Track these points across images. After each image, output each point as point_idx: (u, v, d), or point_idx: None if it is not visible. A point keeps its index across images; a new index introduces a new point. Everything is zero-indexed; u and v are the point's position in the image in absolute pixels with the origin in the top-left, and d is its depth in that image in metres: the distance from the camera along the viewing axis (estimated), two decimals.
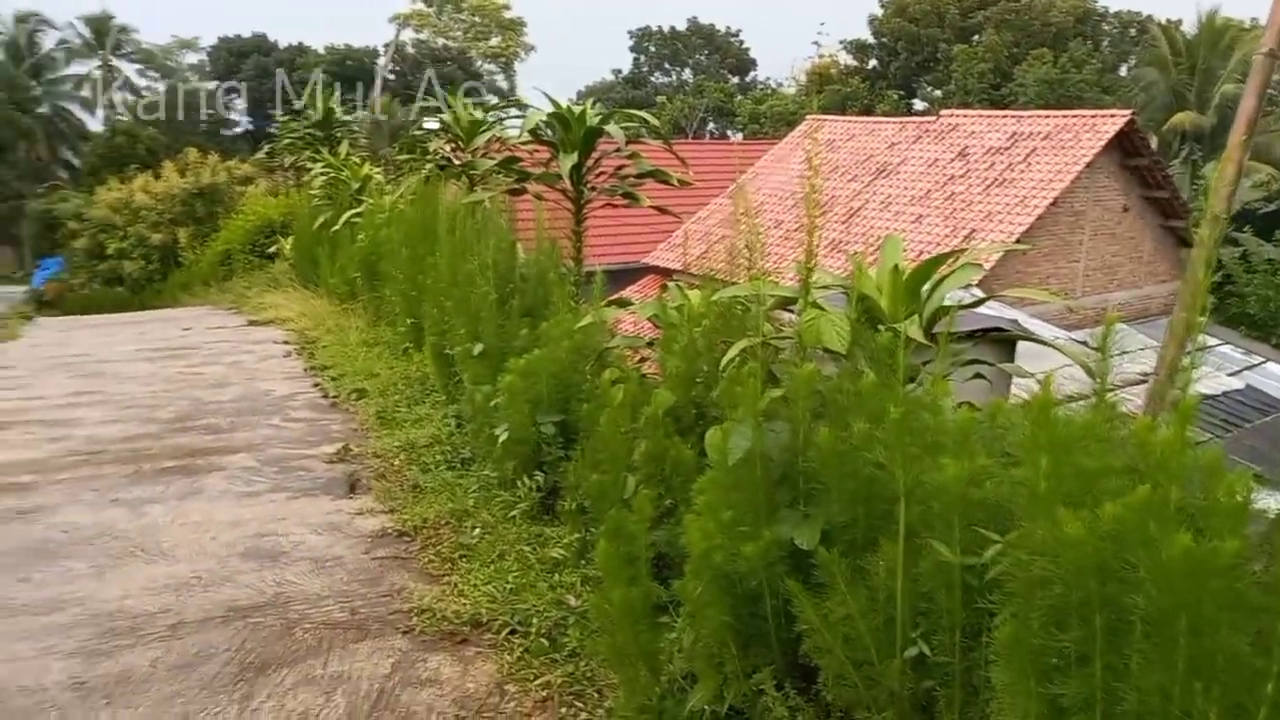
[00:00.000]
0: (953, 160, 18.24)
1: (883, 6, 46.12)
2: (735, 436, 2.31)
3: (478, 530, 4.02)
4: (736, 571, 2.20)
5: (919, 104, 45.79)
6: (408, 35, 50.77)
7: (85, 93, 48.14)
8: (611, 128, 5.86)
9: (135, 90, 49.27)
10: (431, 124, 11.94)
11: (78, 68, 47.93)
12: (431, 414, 6.00)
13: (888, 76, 45.85)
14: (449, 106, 8.69)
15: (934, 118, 20.69)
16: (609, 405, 3.62)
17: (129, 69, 49.66)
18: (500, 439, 4.42)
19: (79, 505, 4.62)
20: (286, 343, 9.51)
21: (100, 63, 48.18)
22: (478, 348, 5.30)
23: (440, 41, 51.79)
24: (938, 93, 44.47)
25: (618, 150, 6.07)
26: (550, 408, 4.33)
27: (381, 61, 47.24)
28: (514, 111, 9.12)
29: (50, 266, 30.85)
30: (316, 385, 7.36)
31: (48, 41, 46.53)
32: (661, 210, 6.41)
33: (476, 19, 52.68)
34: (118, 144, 36.58)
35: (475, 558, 3.77)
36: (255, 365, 8.37)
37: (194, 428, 6.14)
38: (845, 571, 1.98)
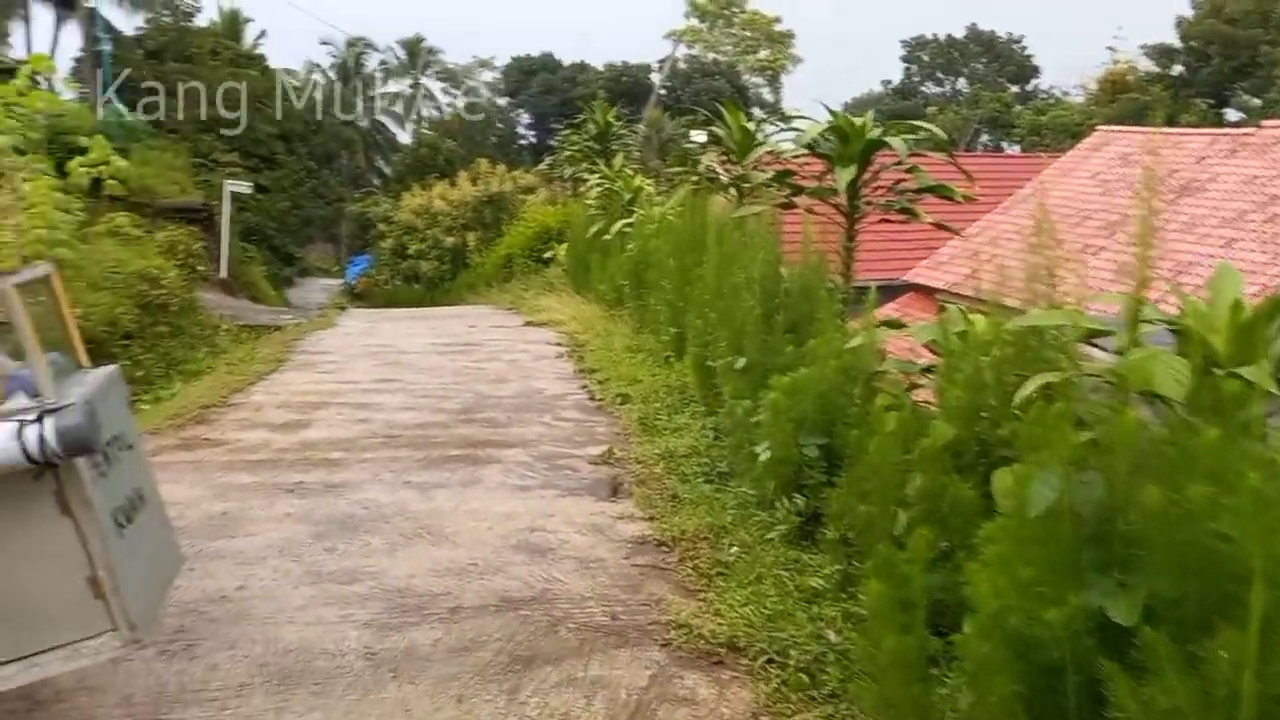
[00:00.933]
0: (1276, 177, 15.90)
1: (1195, 7, 41.30)
2: (1039, 485, 2.08)
3: (735, 549, 3.98)
4: (1034, 637, 1.99)
5: (1232, 114, 40.55)
6: (679, 51, 52.26)
7: (398, 108, 54.00)
8: (894, 140, 5.65)
9: (439, 106, 54.53)
10: (699, 137, 12.15)
11: (393, 86, 53.82)
12: (690, 424, 6.06)
13: (1195, 83, 40.98)
14: (722, 120, 8.78)
15: (1253, 129, 18.17)
16: (880, 433, 3.45)
17: (435, 86, 55.01)
18: (760, 457, 4.36)
19: (378, 484, 5.11)
20: (558, 344, 10.04)
21: (411, 81, 53.77)
22: (740, 361, 5.28)
23: (710, 56, 52.83)
24: (1256, 101, 39.14)
25: (897, 163, 5.83)
26: (814, 429, 4.21)
27: (655, 77, 49.02)
28: (780, 124, 9.07)
29: (360, 263, 34.84)
30: (584, 387, 7.69)
31: (371, 63, 52.69)
32: (940, 227, 6.08)
33: (747, 33, 53.25)
34: (421, 155, 40.66)
35: (732, 577, 3.74)
36: (530, 364, 8.91)
37: (476, 420, 6.61)
38: (1174, 656, 1.72)
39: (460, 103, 52.71)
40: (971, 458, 3.21)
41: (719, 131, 8.66)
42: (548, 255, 17.40)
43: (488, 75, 57.49)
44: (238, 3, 41.50)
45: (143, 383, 9.27)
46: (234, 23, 43.12)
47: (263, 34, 41.83)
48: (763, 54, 53.39)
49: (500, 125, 52.07)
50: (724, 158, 9.08)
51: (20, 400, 2.10)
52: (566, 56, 55.14)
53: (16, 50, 32.25)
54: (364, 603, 3.64)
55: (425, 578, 3.89)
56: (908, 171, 6.00)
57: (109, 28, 36.53)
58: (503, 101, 55.15)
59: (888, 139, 5.76)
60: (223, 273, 21.24)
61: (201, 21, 40.59)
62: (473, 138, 45.76)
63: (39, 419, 1.86)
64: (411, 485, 5.10)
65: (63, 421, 1.87)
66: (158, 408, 7.56)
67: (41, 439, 1.85)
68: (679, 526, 4.31)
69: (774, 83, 54.49)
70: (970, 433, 3.24)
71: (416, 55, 53.62)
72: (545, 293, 14.30)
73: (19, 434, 1.84)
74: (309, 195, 38.27)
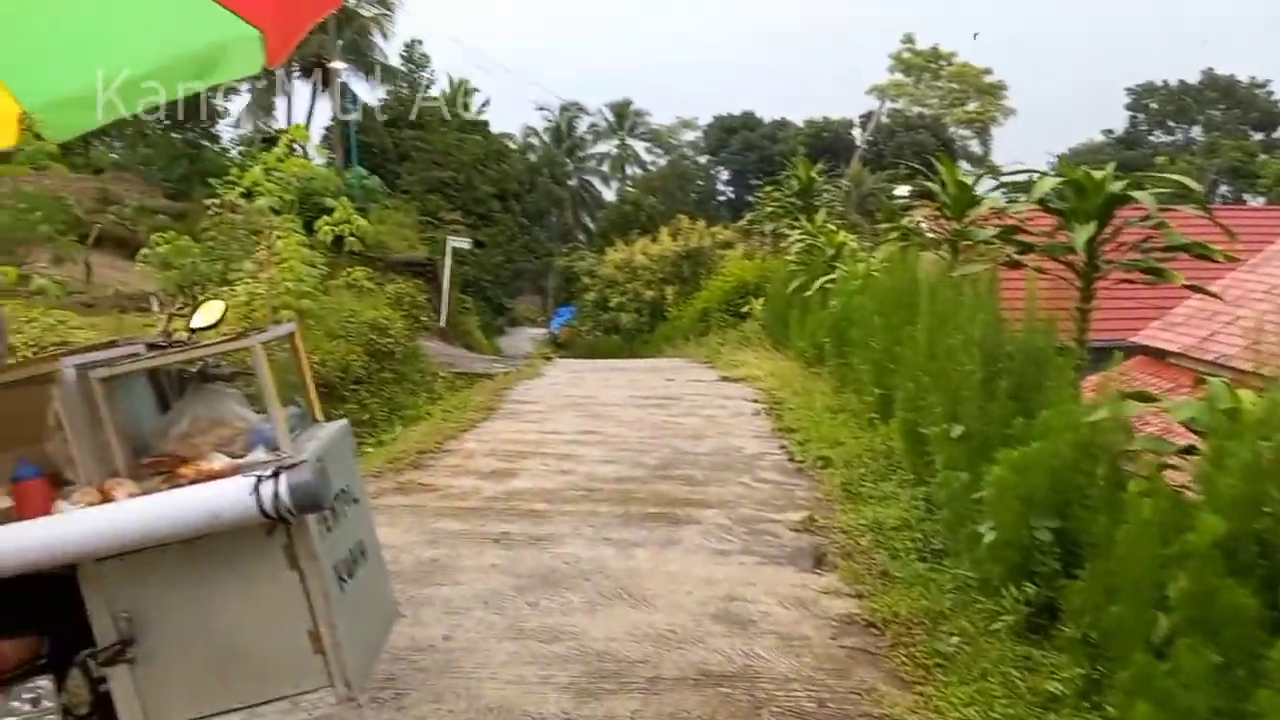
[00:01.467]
0: None
1: None
2: None
3: (955, 638, 3.64)
4: None
5: None
6: (884, 105, 51.41)
7: (604, 168, 56.42)
8: (1143, 195, 5.14)
9: (642, 165, 56.48)
10: (904, 192, 11.73)
11: (601, 147, 56.33)
12: (899, 493, 5.71)
13: None
14: (932, 174, 8.41)
15: None
16: (1132, 521, 3.05)
17: (639, 146, 57.05)
18: (984, 538, 4.00)
19: (579, 539, 5.13)
20: (755, 401, 9.88)
21: (618, 142, 56.05)
22: (956, 429, 4.92)
23: (915, 109, 51.60)
24: None
25: (1144, 219, 5.30)
26: (1047, 510, 3.81)
27: (857, 132, 48.40)
28: (993, 178, 8.58)
29: (565, 314, 36.29)
30: (783, 447, 7.48)
31: (581, 126, 55.47)
32: (1196, 289, 5.45)
33: (955, 85, 51.67)
34: (625, 211, 42.06)
35: (953, 670, 3.41)
36: (727, 420, 8.79)
37: (674, 477, 6.55)
38: None
39: (663, 161, 54.42)
40: (1249, 558, 2.77)
41: (931, 186, 8.29)
42: (744, 310, 17.34)
43: (690, 134, 58.96)
44: (466, 74, 44.85)
45: (368, 425, 9.92)
46: (462, 93, 46.79)
47: (487, 102, 45.03)
48: (971, 106, 51.58)
49: (700, 182, 53.11)
50: (935, 213, 8.67)
51: (260, 454, 2.21)
52: (767, 114, 55.63)
53: (279, 121, 36.44)
54: (564, 664, 3.60)
55: (624, 642, 3.81)
56: (1155, 227, 5.44)
57: (355, 100, 40.62)
58: (703, 159, 56.32)
59: (1133, 193, 5.25)
60: (442, 322, 22.70)
61: (434, 92, 44.33)
62: (674, 194, 46.86)
63: (275, 475, 1.93)
64: (611, 542, 5.08)
65: (295, 478, 1.93)
66: (380, 451, 8.03)
67: (276, 495, 1.91)
68: (891, 607, 4.01)
69: (982, 135, 52.45)
70: (1247, 529, 2.80)
71: (624, 117, 55.89)
72: (741, 347, 14.21)
73: (256, 489, 1.91)
74: (521, 250, 40.48)
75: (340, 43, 35.92)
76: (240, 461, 2.18)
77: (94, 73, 3.28)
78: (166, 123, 28.53)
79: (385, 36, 40.99)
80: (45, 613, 2.06)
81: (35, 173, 12.06)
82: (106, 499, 2.01)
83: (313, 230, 12.26)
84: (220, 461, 2.13)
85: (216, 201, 12.51)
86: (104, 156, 29.62)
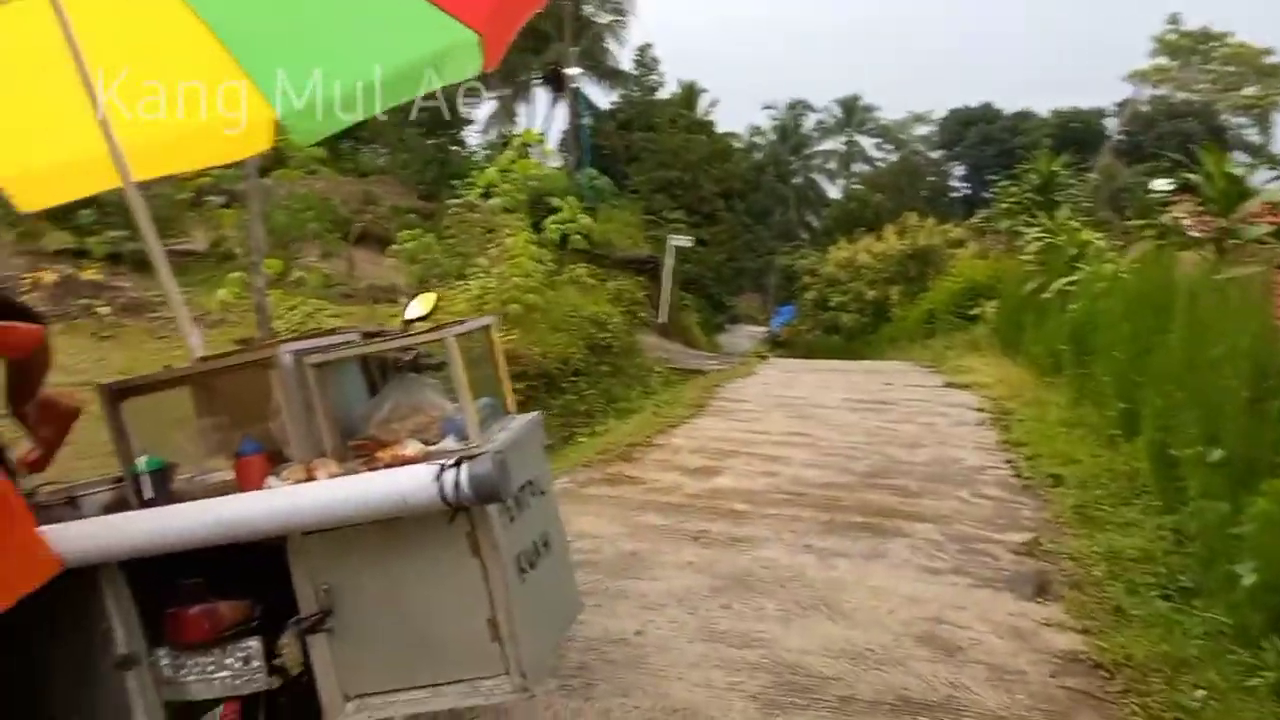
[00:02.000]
0: None
1: None
2: None
3: (1201, 692, 3.18)
4: None
5: None
6: (1142, 93, 46.74)
7: (831, 165, 55.27)
8: None
9: (870, 161, 54.79)
10: (1162, 186, 10.54)
11: (828, 144, 55.25)
12: (1141, 520, 5.12)
13: None
14: (1196, 166, 7.49)
15: None
16: None
17: (867, 143, 55.39)
18: (1243, 579, 3.48)
19: (778, 544, 4.99)
20: (980, 410, 9.26)
21: (845, 138, 54.72)
22: (1215, 453, 4.34)
23: (1180, 95, 46.47)
24: None
25: None
26: None
27: (1111, 122, 44.34)
28: (1270, 170, 7.49)
29: (785, 313, 35.94)
30: (1009, 462, 6.93)
31: (808, 123, 54.65)
32: None
33: (1229, 68, 46.01)
34: (850, 209, 41.01)
35: None
36: (948, 429, 8.29)
37: (884, 486, 6.25)
38: None
39: (893, 157, 52.52)
40: None
41: (1194, 179, 7.38)
42: (974, 313, 16.33)
43: (923, 129, 56.50)
44: (695, 75, 45.61)
45: (584, 416, 10.26)
46: (691, 94, 47.51)
47: (714, 103, 45.45)
48: (1248, 91, 45.72)
49: (932, 178, 50.73)
50: (1198, 209, 7.72)
51: (450, 442, 2.28)
52: (1008, 106, 52.21)
53: (521, 126, 38.60)
54: (753, 672, 3.50)
55: (818, 655, 3.65)
56: None
57: (590, 105, 42.34)
58: (936, 154, 53.74)
59: None
60: (661, 318, 23.13)
61: (663, 94, 45.35)
62: (902, 191, 45.09)
63: (457, 464, 1.98)
64: (812, 550, 4.91)
65: (475, 468, 1.97)
66: (592, 441, 8.27)
67: (457, 483, 1.96)
68: (1123, 649, 3.58)
69: (1262, 122, 46.36)
70: None
71: (853, 113, 54.50)
72: (969, 352, 13.39)
73: (439, 476, 1.96)
74: (743, 248, 40.55)
75: (575, 50, 37.51)
76: (431, 449, 2.26)
77: (334, 82, 3.55)
78: (421, 130, 31.08)
79: (620, 42, 42.42)
80: (257, 580, 2.24)
81: (308, 176, 13.53)
82: (310, 477, 2.15)
83: (541, 228, 12.88)
84: (414, 448, 2.21)
85: (458, 202, 13.44)
86: (369, 161, 32.70)
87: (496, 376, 2.64)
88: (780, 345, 29.71)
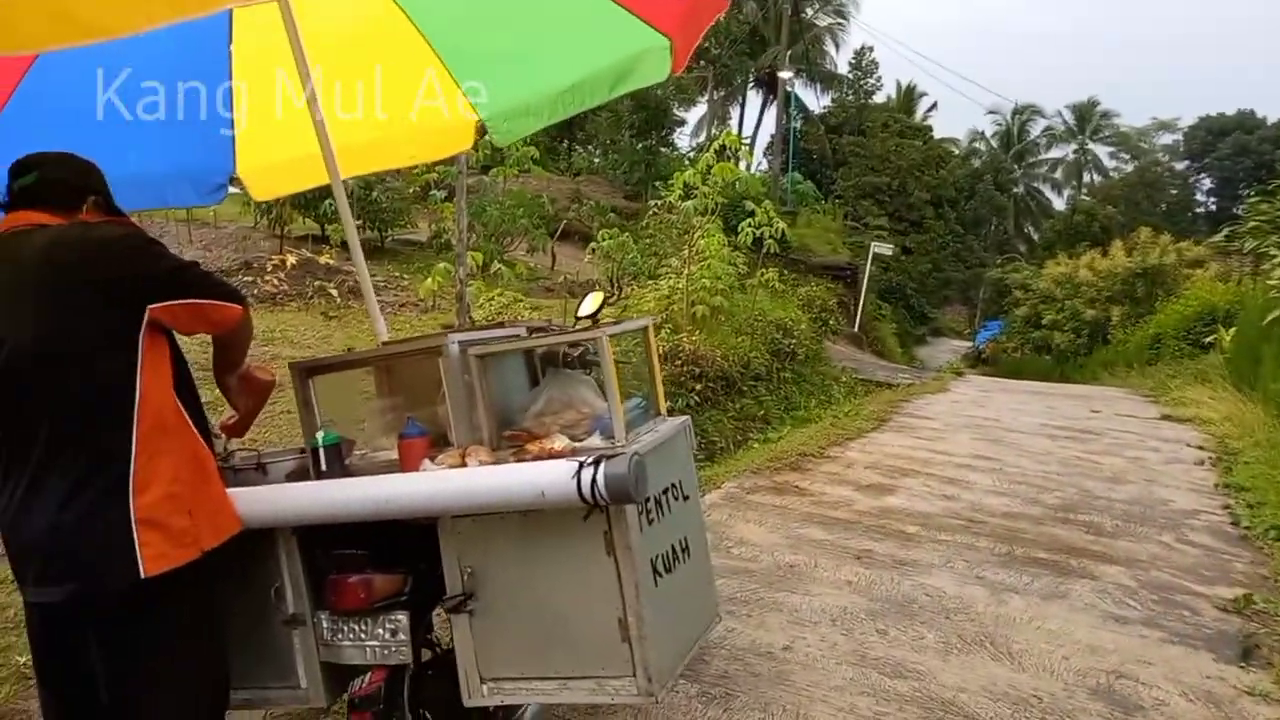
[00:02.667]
0: None
1: None
2: None
3: None
4: None
5: None
6: None
7: (1057, 174, 51.65)
8: None
9: (1103, 171, 50.76)
10: None
11: (1056, 152, 51.69)
12: None
13: None
14: None
15: None
16: None
17: (1101, 151, 51.35)
18: None
19: (947, 572, 4.76)
20: (1200, 448, 8.39)
21: (1076, 146, 50.96)
22: None
23: None
24: None
25: None
26: None
27: None
28: None
29: (992, 327, 34.05)
30: (1226, 508, 6.25)
31: (1035, 129, 51.34)
32: None
33: None
34: (1075, 222, 38.24)
35: None
36: (1158, 467, 7.57)
37: (1075, 522, 5.80)
38: None
39: (1128, 168, 48.44)
40: None
41: None
42: (1208, 340, 14.78)
43: (1167, 137, 51.78)
44: (918, 78, 44.18)
45: (760, 421, 10.19)
46: (909, 98, 45.95)
47: (933, 106, 43.77)
48: None
49: (1174, 191, 46.32)
50: None
51: (596, 440, 2.35)
52: (1272, 114, 46.83)
53: (732, 128, 38.81)
54: (903, 704, 3.36)
55: (976, 696, 3.46)
56: None
57: (802, 108, 41.92)
58: (1180, 165, 49.01)
59: None
60: (855, 327, 22.55)
61: (880, 98, 44.19)
62: (1137, 204, 41.53)
63: (596, 462, 2.03)
64: (984, 582, 4.64)
65: (612, 469, 2.01)
66: (764, 447, 8.20)
67: (594, 481, 2.01)
68: None
69: None
70: None
71: (1086, 119, 50.74)
72: (1195, 383, 12.13)
73: (577, 474, 2.03)
74: (951, 258, 38.79)
75: (790, 53, 37.20)
76: (578, 445, 2.33)
77: (532, 86, 3.73)
78: (633, 131, 31.95)
79: (837, 45, 41.70)
80: (409, 556, 2.40)
81: (522, 174, 14.24)
82: (462, 463, 2.28)
83: (736, 231, 12.88)
84: (561, 443, 2.29)
85: (658, 202, 13.69)
86: (583, 160, 34.01)
87: (651, 377, 2.69)
88: (982, 362, 28.20)
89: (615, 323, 2.50)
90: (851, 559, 4.89)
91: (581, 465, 2.05)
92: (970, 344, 36.01)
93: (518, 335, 2.69)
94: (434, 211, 13.70)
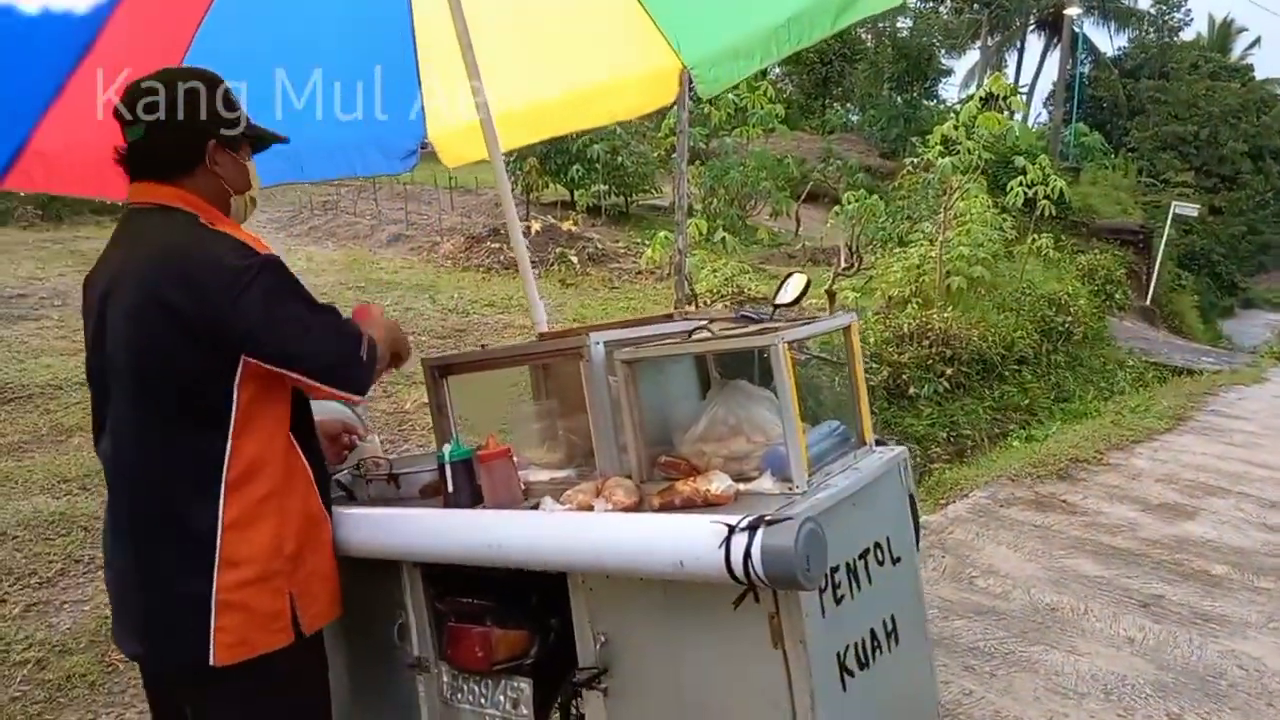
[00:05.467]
0: None
1: None
2: None
3: None
4: None
5: None
6: None
7: None
8: None
9: None
10: None
11: None
12: None
13: None
14: None
15: None
16: None
17: None
18: None
19: (1269, 636, 3.66)
20: None
21: None
22: None
23: None
24: None
25: None
26: None
27: None
28: None
29: None
30: None
31: None
32: None
33: None
34: None
35: None
36: None
37: None
38: None
39: None
40: None
41: None
42: None
43: None
44: (1234, 11, 38.54)
45: (1024, 413, 8.91)
46: (1224, 34, 39.86)
47: (1256, 42, 37.77)
48: None
49: None
50: None
51: (766, 482, 1.74)
52: None
53: (1009, 76, 35.51)
54: None
55: None
56: None
57: (1091, 50, 37.53)
58: None
59: None
60: (1148, 300, 19.78)
61: (1187, 36, 38.75)
62: None
63: (750, 529, 1.44)
64: None
65: (774, 540, 1.41)
66: (1025, 448, 7.06)
67: (748, 554, 1.42)
68: None
69: None
70: None
71: None
72: None
73: (725, 543, 1.44)
74: (1271, 219, 33.54)
75: None
76: (742, 488, 1.75)
77: (744, 25, 3.24)
78: (892, 84, 30.05)
79: None
80: (539, 610, 1.92)
81: (767, 134, 13.57)
82: (590, 504, 1.76)
83: (1005, 191, 11.48)
84: (719, 484, 1.71)
85: (914, 160, 12.51)
86: (837, 118, 32.45)
87: (855, 394, 2.02)
88: None
89: (799, 321, 1.87)
90: (1135, 606, 3.90)
91: (732, 531, 1.46)
92: None
93: (668, 335, 2.12)
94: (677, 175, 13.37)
